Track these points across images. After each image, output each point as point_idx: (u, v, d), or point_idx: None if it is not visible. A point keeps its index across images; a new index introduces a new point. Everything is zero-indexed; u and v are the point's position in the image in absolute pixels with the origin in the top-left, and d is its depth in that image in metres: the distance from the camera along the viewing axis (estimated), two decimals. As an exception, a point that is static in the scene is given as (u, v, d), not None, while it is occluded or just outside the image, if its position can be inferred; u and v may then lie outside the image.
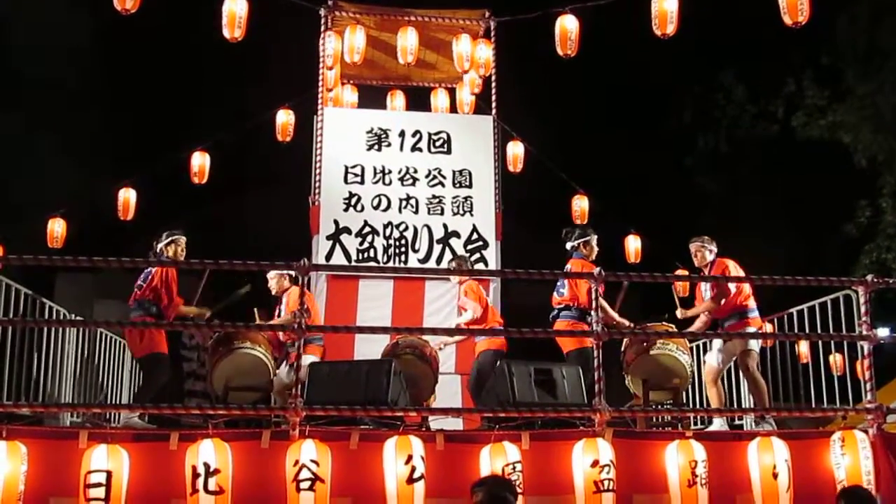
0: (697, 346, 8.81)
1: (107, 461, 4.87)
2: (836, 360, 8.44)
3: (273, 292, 7.69)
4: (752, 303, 7.06)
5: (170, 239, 7.00)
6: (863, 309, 5.97)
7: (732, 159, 17.31)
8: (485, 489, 4.25)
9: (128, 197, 10.57)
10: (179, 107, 16.03)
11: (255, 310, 8.35)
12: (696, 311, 7.23)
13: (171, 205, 11.20)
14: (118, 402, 8.91)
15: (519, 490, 5.08)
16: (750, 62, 16.81)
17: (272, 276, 7.66)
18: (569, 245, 7.36)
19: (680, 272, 9.81)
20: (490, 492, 4.23)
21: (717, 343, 7.25)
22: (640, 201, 15.18)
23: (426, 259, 9.40)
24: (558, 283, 7.21)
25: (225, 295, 7.39)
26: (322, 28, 9.88)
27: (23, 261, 5.81)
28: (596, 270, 5.98)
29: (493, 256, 9.46)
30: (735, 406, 8.27)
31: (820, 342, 8.14)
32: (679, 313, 7.31)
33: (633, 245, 11.23)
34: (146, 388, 6.94)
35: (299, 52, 10.69)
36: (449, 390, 8.13)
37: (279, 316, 7.50)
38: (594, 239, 7.37)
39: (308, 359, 6.79)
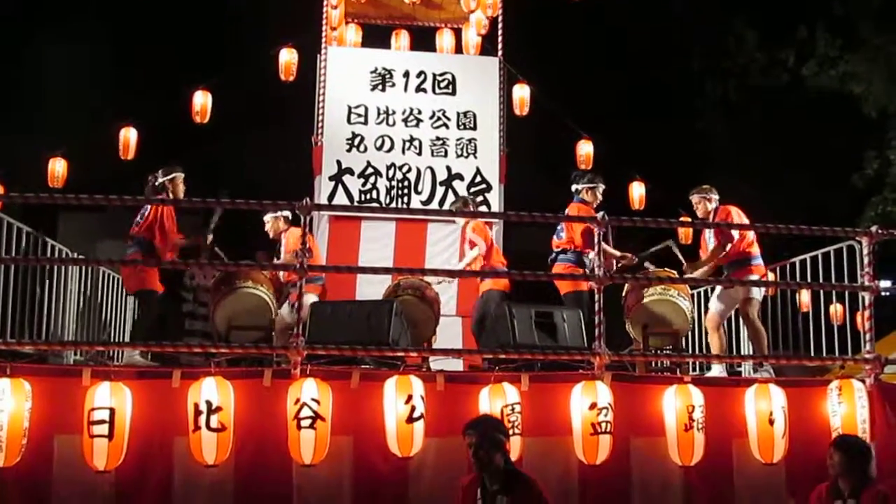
0: (699, 293, 8.82)
1: (110, 398, 4.92)
2: (836, 310, 8.45)
3: (270, 235, 7.68)
4: (755, 250, 7.04)
5: (170, 176, 6.97)
6: (866, 260, 5.96)
7: (740, 107, 17.07)
8: (477, 430, 4.33)
9: (128, 136, 10.47)
10: (181, 45, 15.80)
11: (257, 252, 8.37)
12: (702, 264, 7.17)
13: (172, 144, 11.09)
14: (121, 340, 8.97)
15: (517, 431, 5.15)
16: (761, 7, 16.46)
17: (268, 218, 7.64)
18: (574, 187, 7.33)
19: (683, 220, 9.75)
20: (482, 433, 4.31)
21: (719, 290, 7.25)
22: (645, 147, 15.01)
23: (429, 201, 9.37)
24: (558, 227, 7.21)
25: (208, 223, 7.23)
26: (326, -36, 9.70)
27: (25, 198, 5.80)
28: (599, 214, 5.95)
29: (496, 199, 9.43)
30: (734, 353, 8.31)
31: (821, 292, 8.14)
32: (686, 269, 7.25)
33: (637, 191, 11.13)
34: (139, 324, 7.00)
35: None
36: (450, 332, 8.15)
37: (278, 258, 7.49)
38: (600, 188, 7.33)
39: (308, 298, 6.81)
